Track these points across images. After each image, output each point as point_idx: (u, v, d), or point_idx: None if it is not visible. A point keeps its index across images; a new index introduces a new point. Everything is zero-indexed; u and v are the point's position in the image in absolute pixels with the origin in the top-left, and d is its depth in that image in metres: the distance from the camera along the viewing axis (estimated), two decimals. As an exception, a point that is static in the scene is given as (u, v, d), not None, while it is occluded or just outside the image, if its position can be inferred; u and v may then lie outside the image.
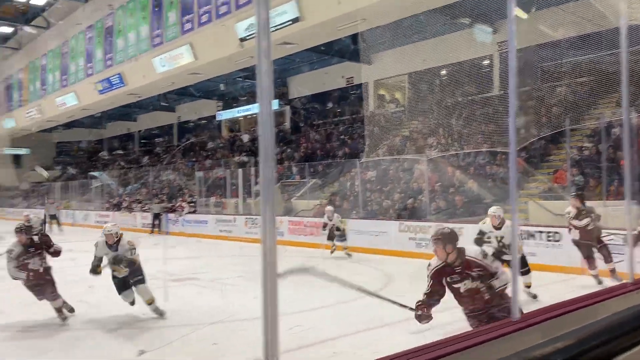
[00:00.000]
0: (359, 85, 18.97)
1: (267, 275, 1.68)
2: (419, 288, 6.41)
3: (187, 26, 18.17)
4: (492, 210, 7.07)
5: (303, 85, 22.82)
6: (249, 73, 21.87)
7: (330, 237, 11.60)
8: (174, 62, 18.82)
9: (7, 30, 29.51)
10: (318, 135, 21.21)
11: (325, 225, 11.61)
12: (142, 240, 17.18)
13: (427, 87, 14.34)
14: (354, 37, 15.28)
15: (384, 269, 9.80)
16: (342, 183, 16.21)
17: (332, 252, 11.63)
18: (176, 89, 23.22)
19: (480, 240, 6.99)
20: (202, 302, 7.36)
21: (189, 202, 19.88)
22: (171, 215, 19.32)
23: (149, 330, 5.81)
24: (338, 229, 11.60)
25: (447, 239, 3.99)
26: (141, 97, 24.04)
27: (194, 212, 19.16)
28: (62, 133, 36.72)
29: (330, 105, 22.82)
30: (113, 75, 22.21)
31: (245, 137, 24.33)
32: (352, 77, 20.43)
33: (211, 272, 9.89)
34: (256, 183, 17.90)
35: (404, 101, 18.67)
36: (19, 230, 6.17)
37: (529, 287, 6.93)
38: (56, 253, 6.32)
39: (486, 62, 15.34)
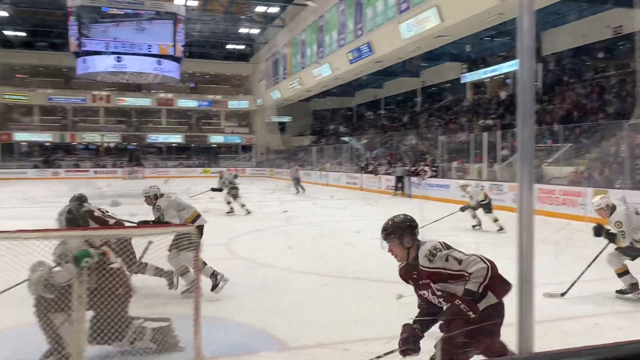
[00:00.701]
0: (630, 35, 16.35)
1: (522, 238, 1.65)
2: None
3: (434, -12, 18.00)
4: (596, 203, 5.49)
5: (559, 40, 20.66)
6: (496, 32, 20.74)
7: (475, 215, 10.76)
8: (419, 26, 18.91)
9: (274, 10, 33.46)
10: (575, 94, 19.10)
11: (464, 209, 10.73)
12: (385, 200, 18.15)
13: None
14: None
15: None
16: (604, 148, 14.38)
17: (476, 225, 10.79)
18: (421, 54, 23.38)
19: (600, 230, 5.43)
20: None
21: (432, 167, 20.07)
22: (414, 179, 19.81)
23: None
24: (482, 202, 10.65)
25: (402, 230, 2.97)
26: (387, 64, 24.88)
27: (435, 176, 19.30)
28: (317, 102, 40.45)
29: (591, 60, 20.25)
30: (362, 45, 23.41)
31: (503, 94, 23.28)
32: (620, 27, 17.72)
33: (456, 236, 9.89)
34: (502, 148, 17.09)
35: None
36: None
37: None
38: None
39: None
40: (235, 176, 13.90)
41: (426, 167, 20.08)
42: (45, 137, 39.58)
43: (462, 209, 10.69)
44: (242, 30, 37.42)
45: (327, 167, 29.84)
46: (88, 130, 40.59)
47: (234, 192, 13.34)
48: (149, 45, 29.70)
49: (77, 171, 36.74)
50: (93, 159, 40.34)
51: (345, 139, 31.91)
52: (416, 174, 20.07)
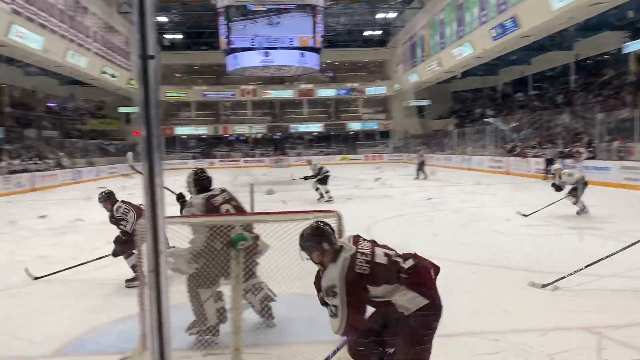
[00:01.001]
0: None
1: None
2: None
3: (589, -50, 16.32)
4: None
5: None
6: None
7: (575, 195, 9.81)
8: (573, -6, 17.31)
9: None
10: None
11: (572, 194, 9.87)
12: (535, 185, 16.96)
13: None
14: None
15: None
16: None
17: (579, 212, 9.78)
18: (574, 25, 21.36)
19: None
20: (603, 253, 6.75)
21: (588, 148, 18.36)
22: (567, 161, 18.27)
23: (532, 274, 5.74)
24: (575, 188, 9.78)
25: (309, 246, 2.73)
26: (535, 38, 23.15)
27: (592, 157, 17.63)
28: (457, 83, 38.97)
29: None
30: (507, 20, 22.04)
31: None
32: None
33: (618, 223, 8.96)
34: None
35: None
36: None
37: None
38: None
39: None
40: (321, 168, 13.90)
41: (581, 149, 18.43)
42: (202, 131, 43.48)
43: (571, 195, 9.89)
44: (379, 15, 37.28)
45: (468, 151, 28.72)
46: (238, 123, 43.72)
47: (323, 180, 13.56)
48: (290, 39, 30.83)
49: (229, 161, 39.95)
50: (243, 150, 43.51)
51: (490, 120, 30.37)
52: (570, 156, 18.52)
